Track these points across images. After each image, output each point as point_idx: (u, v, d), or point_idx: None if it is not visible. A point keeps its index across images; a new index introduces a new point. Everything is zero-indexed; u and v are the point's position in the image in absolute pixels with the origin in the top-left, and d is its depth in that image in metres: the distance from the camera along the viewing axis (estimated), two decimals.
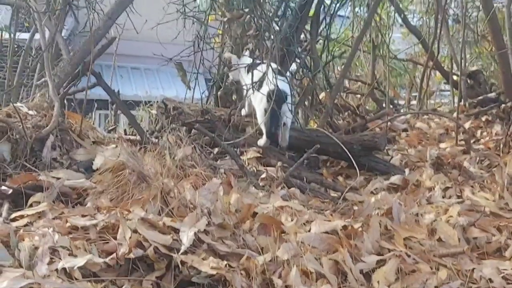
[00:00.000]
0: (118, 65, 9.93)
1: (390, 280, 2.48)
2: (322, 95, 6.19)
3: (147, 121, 7.12)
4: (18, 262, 2.20)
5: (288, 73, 5.04)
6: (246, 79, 4.68)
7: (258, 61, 4.69)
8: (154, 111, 6.06)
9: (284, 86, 4.45)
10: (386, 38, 7.91)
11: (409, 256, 2.64)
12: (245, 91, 4.68)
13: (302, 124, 5.40)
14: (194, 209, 2.72)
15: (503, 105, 6.60)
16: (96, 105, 7.44)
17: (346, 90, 7.51)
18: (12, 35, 4.59)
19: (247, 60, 4.86)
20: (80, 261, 2.18)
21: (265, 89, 4.38)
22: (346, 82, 7.77)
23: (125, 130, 5.52)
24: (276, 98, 4.26)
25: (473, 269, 2.64)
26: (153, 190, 2.79)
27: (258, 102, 4.46)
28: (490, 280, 2.57)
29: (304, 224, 2.88)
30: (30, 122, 3.46)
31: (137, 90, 13.73)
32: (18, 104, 3.74)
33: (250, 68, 4.59)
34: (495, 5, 6.96)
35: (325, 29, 5.86)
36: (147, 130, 4.77)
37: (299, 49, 5.43)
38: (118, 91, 4.40)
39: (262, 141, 4.43)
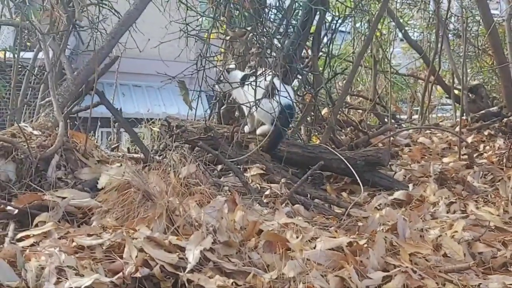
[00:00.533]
0: (119, 83, 9.96)
1: None
2: (324, 111, 6.21)
3: (149, 138, 7.14)
4: (25, 282, 2.19)
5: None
6: (241, 94, 4.70)
7: (249, 73, 4.71)
8: (156, 129, 6.07)
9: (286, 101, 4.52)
10: (387, 53, 7.94)
11: (415, 272, 2.63)
12: (245, 108, 4.71)
13: (305, 140, 5.40)
14: (199, 227, 2.72)
15: (505, 119, 6.62)
16: (99, 124, 7.47)
17: (347, 106, 7.52)
18: (16, 55, 4.60)
19: (238, 74, 4.88)
20: (87, 281, 2.18)
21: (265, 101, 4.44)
22: (348, 97, 7.79)
23: (128, 148, 5.53)
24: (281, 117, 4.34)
25: (479, 285, 2.63)
26: (159, 208, 2.79)
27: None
28: None
29: (309, 241, 2.87)
30: (35, 142, 3.47)
31: (139, 107, 13.78)
32: (23, 124, 3.75)
33: (243, 82, 4.63)
34: (495, 19, 7.00)
35: (326, 46, 5.89)
36: (151, 149, 4.77)
37: (301, 66, 5.45)
38: (120, 109, 4.42)
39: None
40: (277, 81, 4.45)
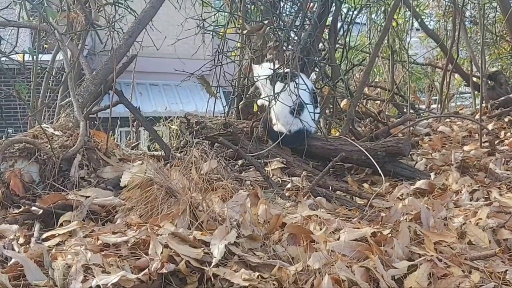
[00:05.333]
0: (137, 82, 9.99)
1: (422, 285, 2.46)
2: (343, 103, 6.19)
3: (168, 136, 7.16)
4: (52, 281, 2.22)
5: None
6: (267, 89, 4.67)
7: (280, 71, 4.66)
8: (174, 127, 6.09)
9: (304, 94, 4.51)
10: (404, 43, 7.89)
11: (440, 260, 2.61)
12: (267, 102, 4.69)
13: (325, 133, 5.38)
14: (223, 221, 2.72)
15: None
16: (118, 123, 7.51)
17: (366, 97, 7.49)
18: (35, 57, 4.63)
19: (267, 65, 4.82)
20: (113, 278, 2.19)
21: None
22: (365, 88, 7.74)
23: (148, 147, 5.55)
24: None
25: (505, 271, 2.61)
26: (182, 204, 2.80)
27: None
28: None
29: (333, 232, 2.87)
30: (56, 143, 3.50)
31: (156, 106, 13.87)
32: (44, 125, 3.78)
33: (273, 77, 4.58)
34: None
35: (343, 37, 5.87)
36: (171, 146, 4.78)
37: (318, 58, 5.43)
38: (139, 107, 4.44)
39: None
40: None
